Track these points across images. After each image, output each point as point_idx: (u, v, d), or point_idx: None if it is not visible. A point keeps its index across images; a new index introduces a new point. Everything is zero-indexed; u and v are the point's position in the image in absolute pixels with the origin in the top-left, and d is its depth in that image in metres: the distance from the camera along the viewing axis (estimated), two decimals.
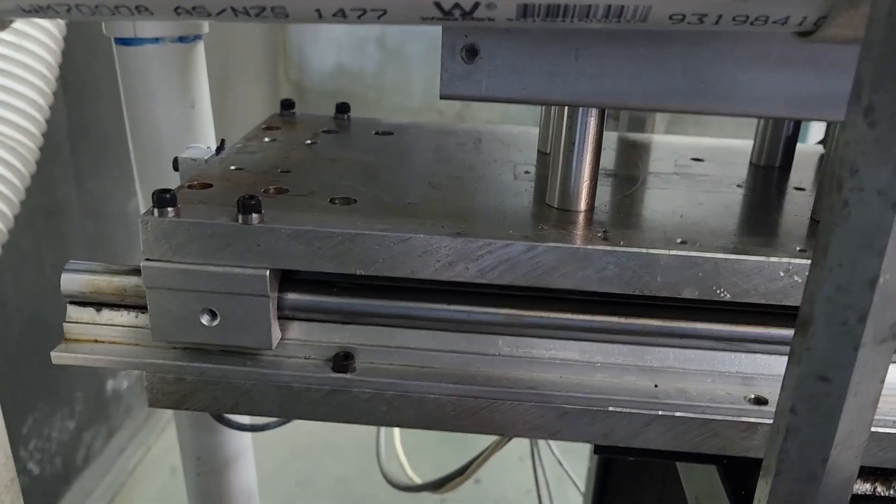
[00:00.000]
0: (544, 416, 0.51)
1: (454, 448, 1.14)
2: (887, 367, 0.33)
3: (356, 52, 3.48)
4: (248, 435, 0.96)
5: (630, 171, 0.64)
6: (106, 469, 2.43)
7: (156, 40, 0.77)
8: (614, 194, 0.58)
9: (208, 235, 0.48)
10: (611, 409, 0.50)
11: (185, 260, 0.49)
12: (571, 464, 1.49)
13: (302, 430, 2.86)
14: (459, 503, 2.53)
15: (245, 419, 0.89)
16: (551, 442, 1.38)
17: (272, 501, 2.56)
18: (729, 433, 0.50)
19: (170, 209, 0.48)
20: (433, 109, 3.40)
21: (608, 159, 0.67)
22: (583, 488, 1.29)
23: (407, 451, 1.08)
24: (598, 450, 0.55)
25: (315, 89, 3.49)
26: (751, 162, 0.68)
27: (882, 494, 0.52)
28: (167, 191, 0.48)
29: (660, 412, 0.50)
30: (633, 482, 1.07)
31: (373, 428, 1.13)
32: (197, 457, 0.92)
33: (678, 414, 0.50)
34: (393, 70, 3.47)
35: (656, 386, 0.52)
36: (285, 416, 0.52)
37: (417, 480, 0.98)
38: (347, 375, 0.51)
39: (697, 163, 0.67)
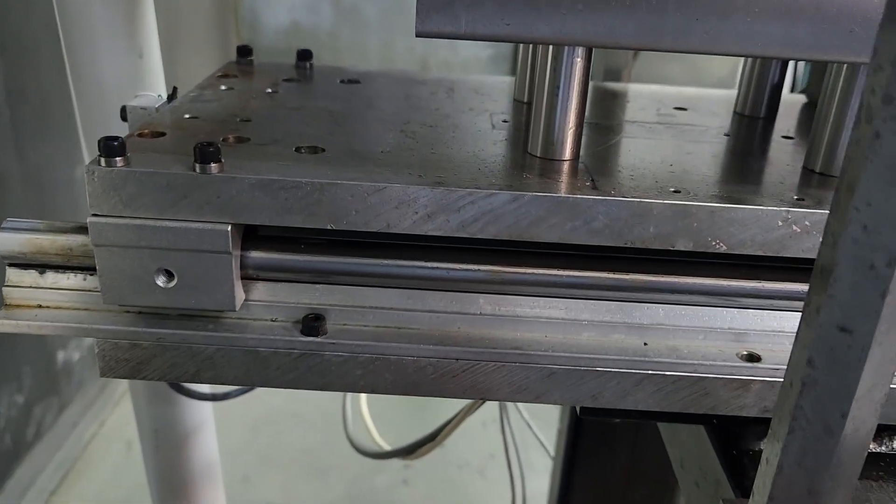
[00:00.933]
0: (529, 378, 0.48)
1: (421, 412, 1.11)
2: None
3: (310, 10, 3.38)
4: (208, 405, 0.91)
5: (612, 120, 0.61)
6: (58, 444, 2.36)
7: None
8: (598, 144, 0.55)
9: (163, 186, 0.44)
10: (599, 369, 0.48)
11: (137, 214, 0.44)
12: (541, 428, 1.49)
13: (265, 401, 2.82)
14: (423, 470, 2.52)
15: (205, 388, 0.85)
16: (521, 406, 1.36)
17: (236, 473, 2.52)
18: (721, 392, 0.48)
19: (118, 158, 0.44)
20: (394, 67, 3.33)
21: (587, 109, 0.64)
22: (552, 452, 1.28)
23: (374, 416, 1.05)
24: (584, 412, 0.52)
25: (267, 48, 3.39)
26: (735, 111, 0.66)
27: (873, 450, 0.51)
28: (115, 138, 0.43)
29: (650, 371, 0.48)
30: (604, 446, 1.06)
31: (338, 395, 1.09)
32: (155, 429, 0.87)
33: (668, 373, 0.48)
34: (348, 31, 3.38)
35: (646, 344, 0.49)
36: (252, 384, 0.49)
37: (386, 447, 0.96)
38: (318, 338, 0.47)
39: (681, 112, 0.64)
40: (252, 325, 0.48)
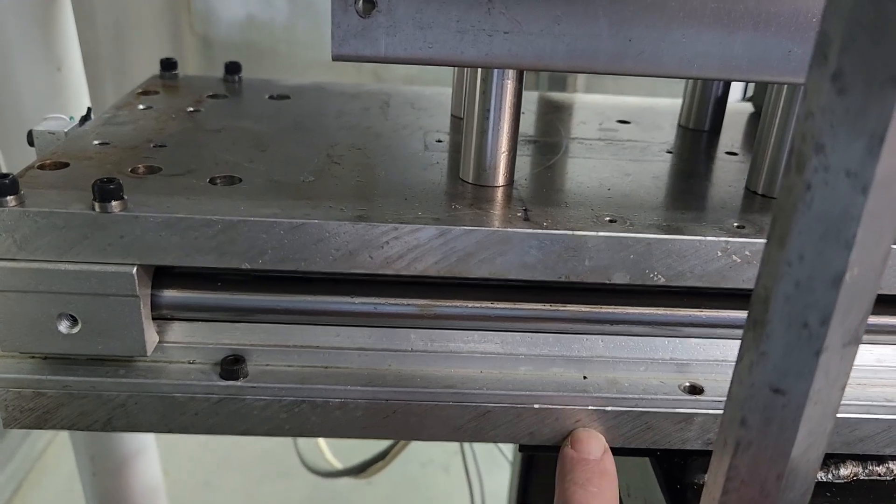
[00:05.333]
0: (464, 417, 0.46)
1: None
2: (849, 373, 0.29)
3: (265, 3, 3.30)
4: None
5: (552, 136, 0.59)
6: (10, 454, 2.29)
7: None
8: (535, 165, 0.52)
9: (60, 227, 0.40)
10: (536, 406, 0.45)
11: (34, 257, 0.41)
12: None
13: None
14: (387, 469, 2.49)
15: None
16: None
17: (197, 479, 2.47)
18: (663, 425, 0.46)
19: (10, 197, 0.40)
20: (349, 64, 3.27)
21: (528, 123, 0.62)
22: (510, 457, 1.26)
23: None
24: (522, 448, 0.50)
25: (222, 42, 3.30)
26: (679, 124, 0.64)
27: (820, 479, 0.50)
28: (4, 175, 0.40)
29: (590, 407, 0.46)
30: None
31: None
32: (91, 456, 0.84)
33: (609, 408, 0.46)
34: (305, 22, 3.31)
35: (585, 378, 0.47)
36: (169, 431, 0.45)
37: (338, 465, 0.93)
38: (238, 382, 0.45)
39: (623, 125, 0.62)
40: (167, 368, 0.45)
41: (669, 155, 0.56)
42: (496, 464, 1.64)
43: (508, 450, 1.28)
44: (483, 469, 1.35)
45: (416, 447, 2.68)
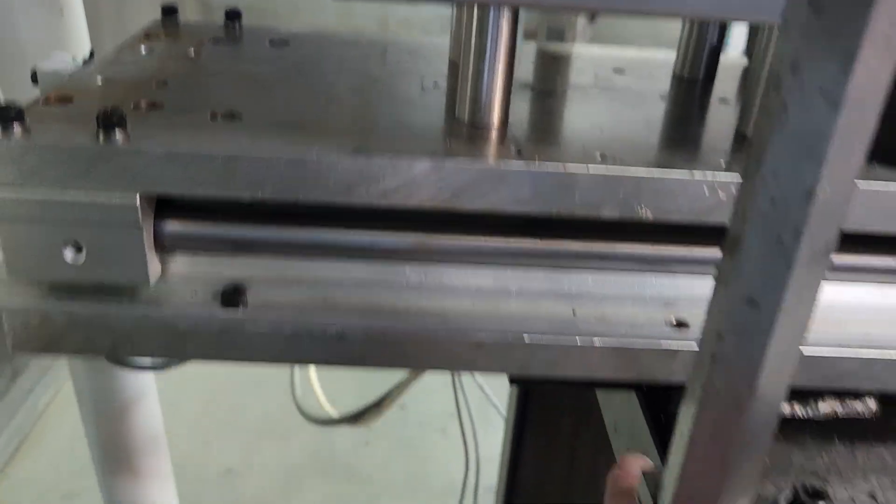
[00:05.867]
0: (457, 349, 0.47)
1: (372, 377, 1.10)
2: (820, 288, 0.30)
3: None
4: (149, 376, 0.90)
5: (548, 84, 0.60)
6: (12, 412, 2.32)
7: None
8: (531, 109, 0.53)
9: (65, 158, 0.41)
10: (527, 339, 0.47)
11: (41, 187, 0.42)
12: (494, 387, 1.50)
13: (223, 369, 2.80)
14: (385, 429, 2.54)
15: (144, 358, 0.83)
16: None
17: (196, 440, 2.51)
18: (649, 359, 0.48)
19: (16, 128, 0.41)
20: (351, 27, 3.25)
21: (525, 72, 0.63)
22: (504, 412, 1.29)
23: (324, 383, 1.04)
24: (513, 380, 0.52)
25: (222, 3, 3.28)
26: (674, 74, 0.64)
27: (800, 416, 0.51)
28: (10, 106, 0.41)
29: (578, 341, 0.47)
30: (552, 409, 1.06)
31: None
32: (94, 401, 0.86)
33: (597, 342, 0.47)
34: None
35: (574, 312, 0.48)
36: (173, 357, 0.47)
37: (334, 414, 0.95)
38: (239, 311, 0.46)
39: (619, 75, 0.63)
40: (170, 298, 0.47)
41: (663, 101, 0.57)
42: (492, 425, 1.67)
43: (503, 404, 1.31)
44: (479, 431, 1.38)
45: (413, 408, 2.71)
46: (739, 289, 0.30)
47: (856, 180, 0.27)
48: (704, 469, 0.34)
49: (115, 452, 0.89)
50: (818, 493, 0.37)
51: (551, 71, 0.64)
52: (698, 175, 0.44)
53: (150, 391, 0.90)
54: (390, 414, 3.11)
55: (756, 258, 0.29)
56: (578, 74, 0.63)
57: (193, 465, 2.28)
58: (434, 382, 1.50)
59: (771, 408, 0.32)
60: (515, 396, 1.09)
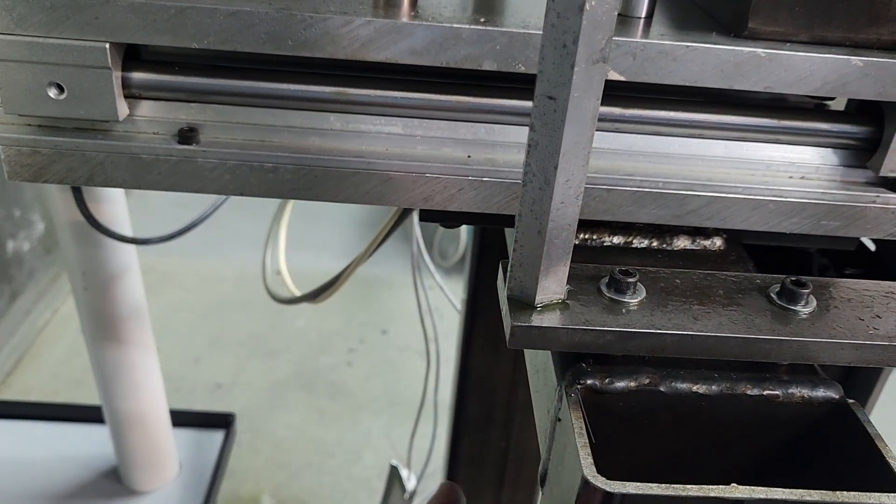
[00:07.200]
0: (370, 182, 0.58)
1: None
2: (601, 88, 0.41)
3: None
4: (132, 251, 1.01)
5: None
6: (11, 330, 2.44)
7: None
8: None
9: (48, 8, 0.52)
10: (428, 175, 0.58)
11: (28, 32, 0.52)
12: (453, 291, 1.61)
13: (215, 289, 2.92)
14: (368, 350, 2.67)
15: (126, 231, 0.94)
16: (434, 271, 1.48)
17: (188, 356, 2.63)
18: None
19: None
20: None
21: None
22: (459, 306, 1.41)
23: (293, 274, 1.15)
24: (422, 216, 0.63)
25: None
26: None
27: (655, 247, 0.62)
28: None
29: (470, 178, 0.58)
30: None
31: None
32: (83, 272, 0.97)
33: (485, 179, 0.58)
34: None
35: (469, 157, 0.59)
36: (137, 187, 0.58)
37: (297, 293, 1.07)
38: (192, 147, 0.57)
39: None
40: (136, 136, 0.57)
41: None
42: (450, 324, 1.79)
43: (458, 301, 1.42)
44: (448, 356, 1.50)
45: (396, 333, 2.83)
46: (543, 88, 0.40)
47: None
48: (529, 236, 0.45)
49: (101, 320, 1.01)
50: (628, 273, 0.48)
51: None
52: None
53: (133, 266, 1.01)
54: (373, 338, 3.25)
55: (550, 62, 0.40)
56: None
57: (184, 380, 2.41)
58: (413, 313, 1.62)
59: (574, 186, 0.43)
60: (468, 293, 1.20)
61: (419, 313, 1.56)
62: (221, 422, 1.80)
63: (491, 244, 1.16)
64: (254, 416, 2.27)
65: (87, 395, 2.14)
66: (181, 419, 1.58)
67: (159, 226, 1.09)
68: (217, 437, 1.73)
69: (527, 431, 1.18)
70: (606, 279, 0.49)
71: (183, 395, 2.31)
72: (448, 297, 1.58)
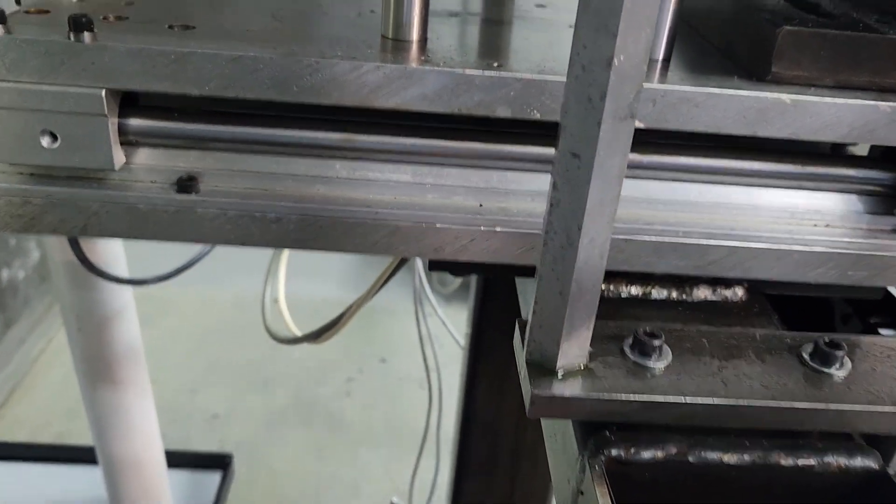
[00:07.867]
0: (378, 233, 0.55)
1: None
2: (629, 145, 0.38)
3: None
4: (128, 291, 0.98)
5: (471, 13, 0.67)
6: (5, 360, 2.41)
7: None
8: (450, 29, 0.61)
9: (42, 53, 0.49)
10: (438, 225, 0.55)
11: (21, 79, 0.50)
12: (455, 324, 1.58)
13: (212, 314, 2.88)
14: (369, 380, 2.63)
15: (122, 272, 0.91)
16: (436, 304, 1.45)
17: (183, 385, 2.59)
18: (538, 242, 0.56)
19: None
20: None
21: (454, 3, 0.70)
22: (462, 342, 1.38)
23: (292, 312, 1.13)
24: (431, 266, 0.60)
25: None
26: None
27: (674, 299, 0.60)
28: None
29: (482, 227, 0.55)
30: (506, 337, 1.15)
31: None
32: (76, 314, 0.94)
33: (498, 229, 0.55)
34: None
35: (481, 205, 0.57)
36: (135, 237, 0.55)
37: (298, 333, 1.04)
38: (192, 196, 0.54)
39: (540, 8, 0.70)
40: (133, 184, 0.55)
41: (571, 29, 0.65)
42: (453, 358, 1.76)
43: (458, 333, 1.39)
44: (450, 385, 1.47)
45: (396, 363, 2.79)
46: (566, 144, 0.38)
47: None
48: (550, 297, 0.42)
49: (96, 362, 0.98)
50: (654, 335, 0.45)
51: (486, 3, 0.71)
52: None
53: (129, 306, 0.98)
54: (373, 368, 3.21)
55: (575, 117, 0.37)
56: (501, 7, 0.70)
57: (180, 411, 2.37)
58: (413, 343, 1.59)
59: (598, 245, 0.40)
60: (471, 327, 1.17)
61: (420, 343, 1.53)
62: (219, 462, 1.76)
63: (496, 279, 1.13)
64: (251, 449, 2.22)
65: (82, 426, 2.10)
66: (177, 460, 1.54)
67: (157, 254, 1.05)
68: (214, 478, 1.69)
69: (534, 477, 1.15)
70: (630, 340, 0.46)
71: (179, 427, 2.26)
72: (449, 331, 1.54)
